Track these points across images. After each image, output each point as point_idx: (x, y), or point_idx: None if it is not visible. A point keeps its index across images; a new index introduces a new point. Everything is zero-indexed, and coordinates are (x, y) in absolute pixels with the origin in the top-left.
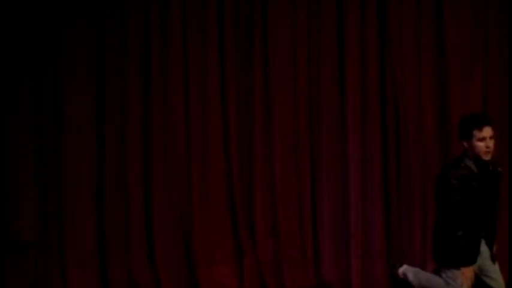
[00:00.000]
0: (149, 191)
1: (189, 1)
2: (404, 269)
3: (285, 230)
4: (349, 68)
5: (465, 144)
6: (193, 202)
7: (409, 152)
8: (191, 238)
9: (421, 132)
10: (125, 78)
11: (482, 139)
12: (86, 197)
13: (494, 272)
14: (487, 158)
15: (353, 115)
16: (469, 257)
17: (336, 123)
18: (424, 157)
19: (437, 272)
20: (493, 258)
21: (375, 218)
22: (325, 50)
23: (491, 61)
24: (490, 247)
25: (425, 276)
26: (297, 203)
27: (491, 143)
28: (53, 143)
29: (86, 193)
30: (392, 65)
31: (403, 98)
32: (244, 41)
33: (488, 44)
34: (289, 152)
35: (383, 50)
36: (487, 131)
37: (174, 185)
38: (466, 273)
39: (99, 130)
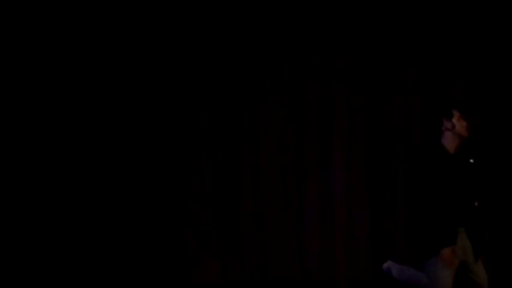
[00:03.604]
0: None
1: None
2: (388, 264)
3: (269, 223)
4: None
5: (445, 123)
6: (179, 198)
7: (395, 146)
8: (177, 233)
9: (407, 129)
10: None
11: (462, 118)
12: None
13: (477, 267)
14: (467, 135)
15: (340, 114)
16: (445, 238)
17: (324, 118)
18: (409, 152)
19: (419, 266)
20: (476, 254)
21: (360, 213)
22: None
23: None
24: (473, 242)
25: (409, 271)
26: (282, 197)
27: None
28: None
29: None
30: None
31: (388, 96)
32: None
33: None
34: (275, 147)
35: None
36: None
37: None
38: (446, 255)
39: None
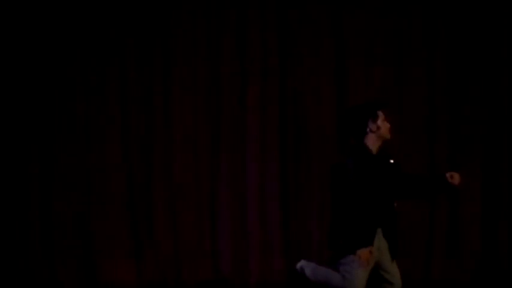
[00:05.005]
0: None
1: None
2: (301, 264)
3: (183, 224)
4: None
5: (370, 124)
6: (92, 197)
7: (308, 148)
8: (90, 233)
9: (321, 129)
10: None
11: (386, 119)
12: None
13: (392, 266)
14: (390, 137)
15: (252, 113)
16: (364, 239)
17: (236, 120)
18: (323, 154)
19: (333, 263)
20: (393, 254)
21: (273, 213)
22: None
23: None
24: (390, 242)
25: (323, 271)
26: (195, 198)
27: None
28: None
29: None
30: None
31: (302, 92)
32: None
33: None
34: (188, 146)
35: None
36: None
37: (73, 179)
38: (362, 256)
39: None
